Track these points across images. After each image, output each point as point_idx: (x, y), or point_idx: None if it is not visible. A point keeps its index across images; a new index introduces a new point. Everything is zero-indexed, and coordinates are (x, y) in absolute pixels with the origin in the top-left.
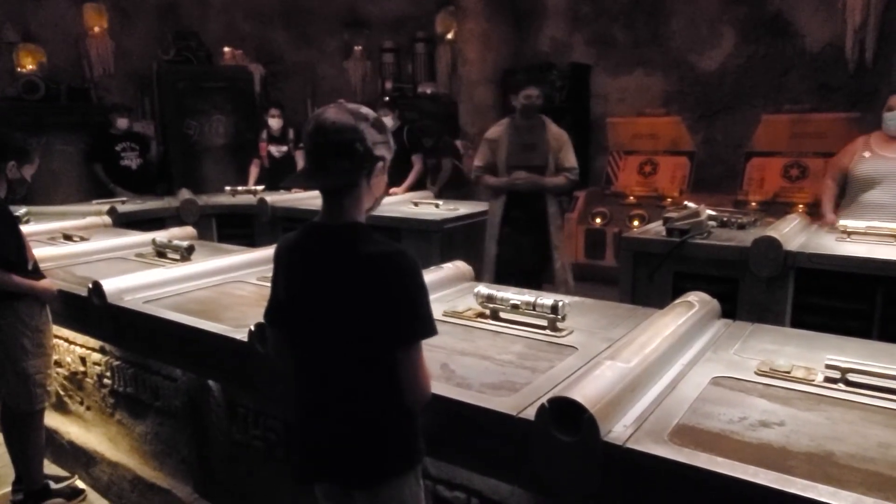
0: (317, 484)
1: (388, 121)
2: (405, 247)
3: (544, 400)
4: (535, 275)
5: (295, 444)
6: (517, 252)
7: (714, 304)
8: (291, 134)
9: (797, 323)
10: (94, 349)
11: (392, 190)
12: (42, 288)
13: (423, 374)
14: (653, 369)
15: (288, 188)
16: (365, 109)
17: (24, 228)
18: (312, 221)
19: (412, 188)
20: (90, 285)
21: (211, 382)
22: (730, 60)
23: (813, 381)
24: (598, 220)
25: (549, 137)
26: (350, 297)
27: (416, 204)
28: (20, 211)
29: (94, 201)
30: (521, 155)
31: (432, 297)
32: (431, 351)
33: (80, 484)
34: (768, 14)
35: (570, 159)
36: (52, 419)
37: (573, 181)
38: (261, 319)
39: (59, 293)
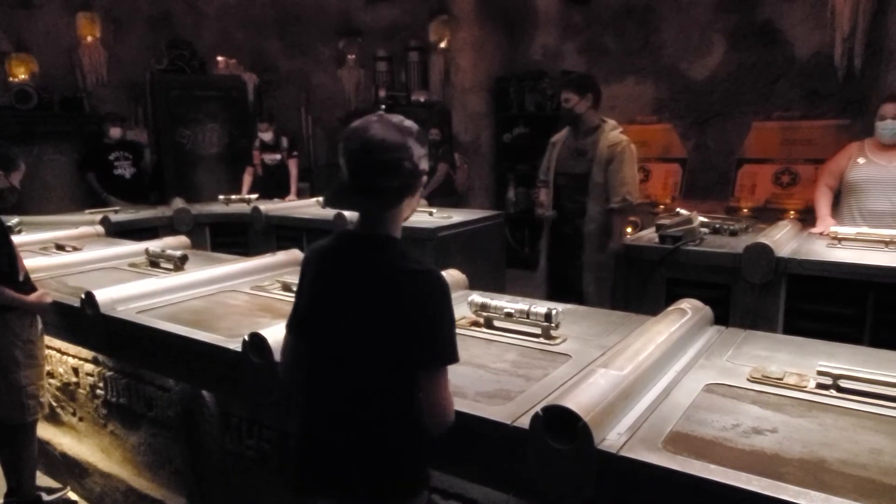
0: (318, 498)
1: None
2: (436, 268)
3: (539, 408)
4: (574, 294)
5: (296, 456)
6: (562, 269)
7: (707, 310)
8: (285, 142)
9: (789, 328)
10: (86, 360)
11: None
12: (32, 302)
13: (445, 400)
14: (646, 377)
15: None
16: (408, 122)
17: (16, 239)
18: (347, 229)
19: None
20: (83, 295)
21: (204, 392)
22: (720, 68)
23: (805, 387)
24: None
25: (601, 145)
26: (376, 312)
27: None
28: (12, 221)
29: (86, 211)
30: (569, 161)
31: None
32: None
33: (72, 495)
34: (758, 22)
35: (622, 178)
36: (44, 430)
37: (618, 208)
38: (255, 330)
39: (52, 304)
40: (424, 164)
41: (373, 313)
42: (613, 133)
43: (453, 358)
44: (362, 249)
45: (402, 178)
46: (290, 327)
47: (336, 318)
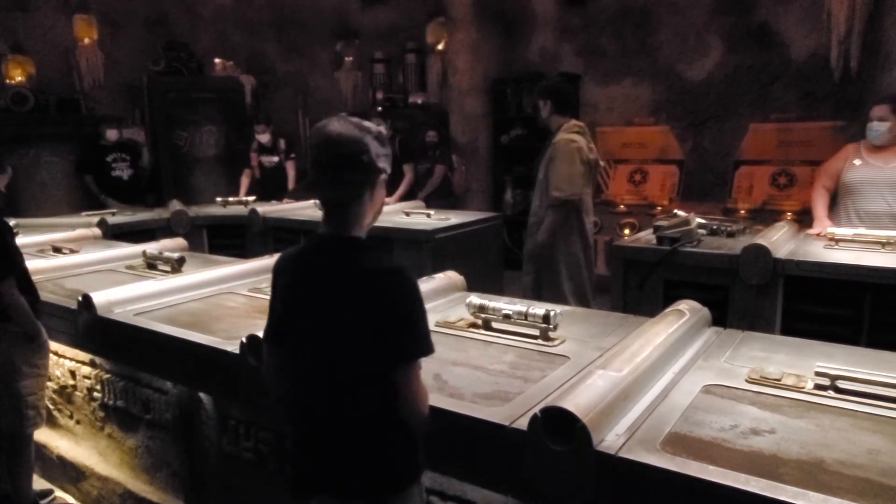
0: (314, 497)
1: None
2: (404, 264)
3: (537, 410)
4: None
5: (291, 459)
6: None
7: (704, 312)
8: (282, 144)
9: (787, 330)
10: (83, 362)
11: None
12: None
13: (420, 393)
14: (644, 378)
15: (294, 199)
16: (367, 122)
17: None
18: (316, 233)
19: (403, 198)
20: (80, 298)
21: (202, 395)
22: (717, 70)
23: (803, 388)
24: None
25: (549, 145)
26: (348, 311)
27: (407, 214)
28: (10, 223)
29: (83, 213)
30: (540, 163)
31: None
32: (425, 361)
33: (69, 499)
34: (754, 24)
35: (553, 176)
36: (40, 433)
37: (549, 205)
38: (252, 332)
39: (48, 306)
40: (383, 164)
41: (348, 312)
42: (561, 134)
43: (429, 350)
44: (332, 251)
45: (360, 171)
46: (268, 337)
47: (314, 321)
